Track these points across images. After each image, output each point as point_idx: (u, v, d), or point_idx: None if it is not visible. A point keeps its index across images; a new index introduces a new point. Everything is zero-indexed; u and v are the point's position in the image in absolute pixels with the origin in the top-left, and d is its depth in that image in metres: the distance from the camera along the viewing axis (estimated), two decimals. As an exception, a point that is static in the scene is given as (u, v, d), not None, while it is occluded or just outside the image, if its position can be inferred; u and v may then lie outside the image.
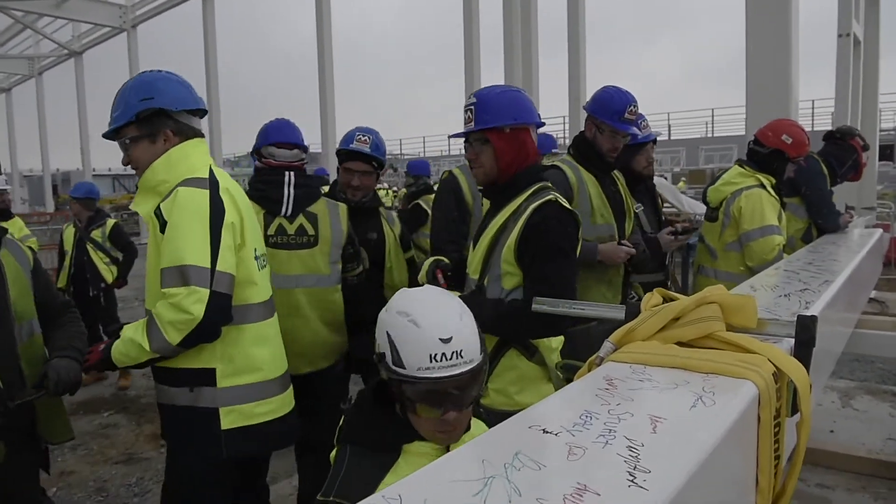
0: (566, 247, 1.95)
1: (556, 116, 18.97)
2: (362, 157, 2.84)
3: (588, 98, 2.83)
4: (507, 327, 1.97)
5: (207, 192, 1.85)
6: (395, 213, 3.25)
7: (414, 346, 1.24)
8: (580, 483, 0.74)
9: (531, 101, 2.07)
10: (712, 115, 26.70)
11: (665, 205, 7.04)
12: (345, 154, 2.87)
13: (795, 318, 1.29)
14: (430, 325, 1.25)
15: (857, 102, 6.90)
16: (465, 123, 2.02)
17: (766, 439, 1.09)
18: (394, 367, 1.26)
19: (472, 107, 1.99)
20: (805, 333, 1.28)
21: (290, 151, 2.62)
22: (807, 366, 1.27)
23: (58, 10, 14.66)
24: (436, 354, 1.23)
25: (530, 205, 1.95)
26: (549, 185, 2.06)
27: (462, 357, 1.24)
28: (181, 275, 1.74)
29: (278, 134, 2.64)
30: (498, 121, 1.95)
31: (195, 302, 1.73)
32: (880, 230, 4.16)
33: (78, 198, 5.53)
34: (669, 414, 0.94)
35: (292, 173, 2.58)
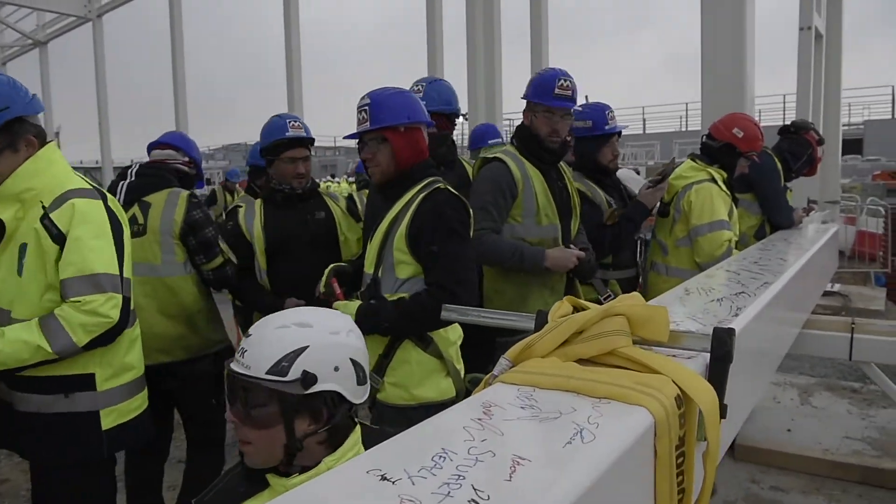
0: (459, 229, 2.00)
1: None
2: (303, 141, 2.78)
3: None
4: (412, 323, 2.00)
5: (101, 202, 1.92)
6: (339, 194, 3.16)
7: None
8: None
9: (420, 102, 2.11)
10: (686, 109, 26.86)
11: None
12: (286, 143, 2.73)
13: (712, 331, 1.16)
14: (258, 321, 1.26)
15: (818, 97, 6.85)
16: (360, 124, 2.04)
17: (665, 473, 0.95)
18: None
19: (367, 107, 2.02)
20: (721, 348, 1.15)
21: (162, 151, 2.83)
22: (721, 384, 1.14)
23: (21, -1, 14.16)
24: (242, 346, 1.23)
25: (421, 194, 2.01)
26: (441, 179, 2.10)
27: (243, 358, 1.20)
28: (94, 283, 1.81)
29: (161, 138, 2.93)
30: (395, 119, 2.00)
31: (113, 307, 1.83)
32: (836, 225, 4.11)
33: None
34: (537, 453, 0.80)
35: (137, 165, 2.74)
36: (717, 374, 1.15)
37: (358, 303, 2.04)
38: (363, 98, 2.04)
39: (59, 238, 1.80)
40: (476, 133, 4.43)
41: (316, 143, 2.95)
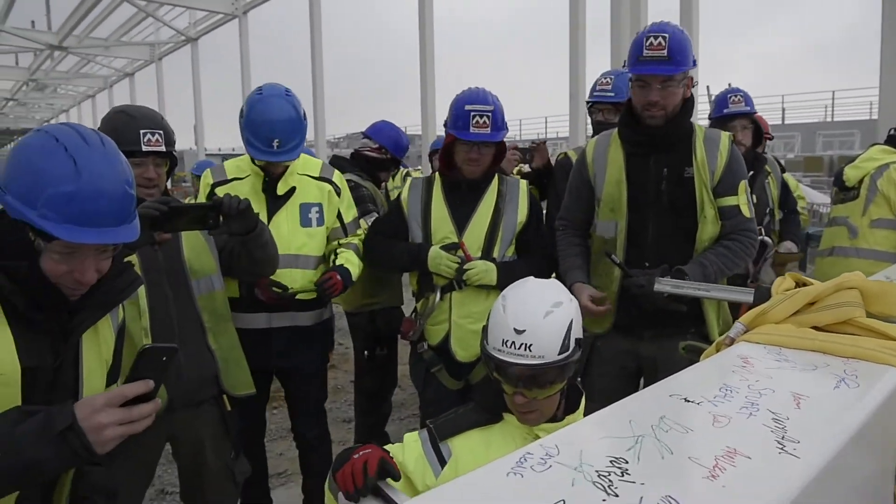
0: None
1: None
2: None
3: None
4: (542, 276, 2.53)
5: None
6: None
7: (495, 328, 1.37)
8: (729, 447, 0.78)
9: None
10: (833, 98, 24.78)
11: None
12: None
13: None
14: (512, 313, 1.36)
15: None
16: (480, 128, 2.28)
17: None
18: (483, 341, 1.41)
19: (490, 114, 2.26)
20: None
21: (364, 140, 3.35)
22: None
23: (176, -1, 15.52)
24: (507, 341, 1.33)
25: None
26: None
27: (531, 351, 1.32)
28: (358, 224, 2.62)
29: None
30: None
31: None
32: None
33: None
34: (812, 393, 0.95)
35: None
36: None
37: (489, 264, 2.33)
38: (491, 103, 2.28)
39: (341, 194, 2.53)
40: None
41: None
